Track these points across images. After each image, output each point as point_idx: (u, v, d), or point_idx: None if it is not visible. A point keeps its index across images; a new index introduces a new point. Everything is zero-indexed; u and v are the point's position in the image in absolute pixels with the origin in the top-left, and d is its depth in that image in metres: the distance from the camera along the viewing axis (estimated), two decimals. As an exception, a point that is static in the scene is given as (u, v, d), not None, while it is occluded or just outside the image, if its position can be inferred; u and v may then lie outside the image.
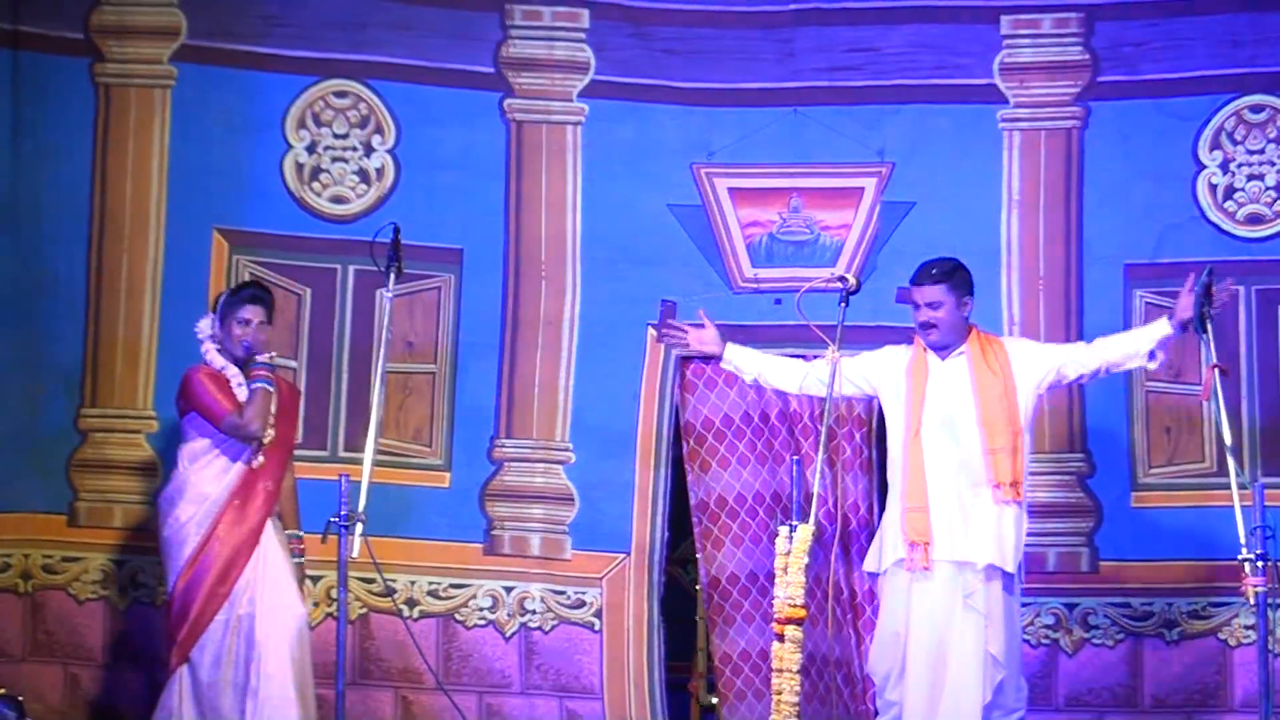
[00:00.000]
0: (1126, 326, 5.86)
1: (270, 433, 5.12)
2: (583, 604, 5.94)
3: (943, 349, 5.01)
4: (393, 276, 4.98)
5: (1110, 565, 5.88)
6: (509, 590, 5.99)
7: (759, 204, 6.03)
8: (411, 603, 5.97)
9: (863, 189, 6.03)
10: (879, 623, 5.08)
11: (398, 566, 5.86)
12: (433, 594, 6.00)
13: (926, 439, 4.95)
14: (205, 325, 5.25)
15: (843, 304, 4.88)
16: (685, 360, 6.02)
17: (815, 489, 4.75)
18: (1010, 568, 4.87)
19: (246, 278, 5.96)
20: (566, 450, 6.08)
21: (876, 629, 5.08)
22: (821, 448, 4.88)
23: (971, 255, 5.57)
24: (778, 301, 5.88)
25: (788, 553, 4.60)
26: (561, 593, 5.97)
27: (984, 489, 4.91)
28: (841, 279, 4.90)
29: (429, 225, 5.99)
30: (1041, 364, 4.98)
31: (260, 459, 5.12)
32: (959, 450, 4.96)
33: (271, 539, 5.11)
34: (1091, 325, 5.94)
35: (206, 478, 5.10)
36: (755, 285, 6.08)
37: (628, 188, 6.07)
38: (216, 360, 5.20)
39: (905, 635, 4.91)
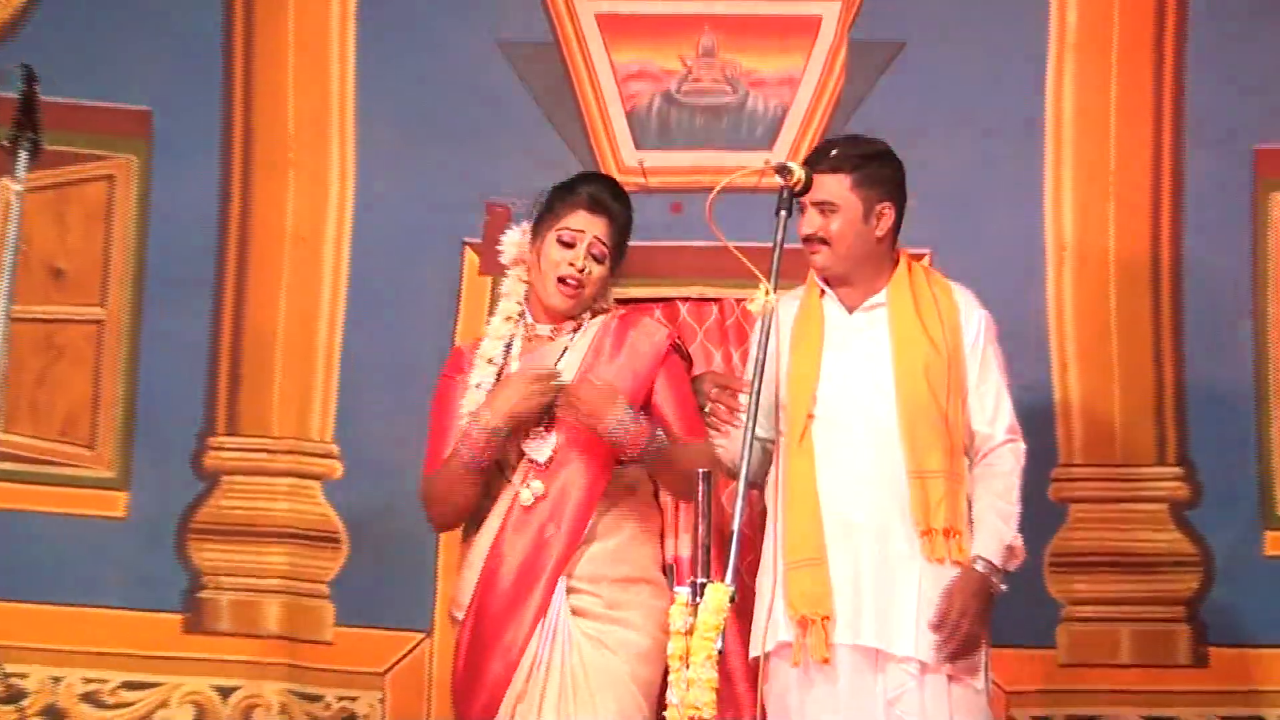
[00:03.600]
0: (1255, 251, 4.97)
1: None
2: (351, 716, 5.13)
3: (843, 287, 4.23)
4: (24, 156, 3.84)
5: (1227, 653, 4.96)
6: (226, 692, 5.11)
7: (648, 43, 5.22)
8: (55, 713, 5.10)
9: (819, 20, 5.16)
10: None
11: (32, 652, 5.03)
12: (92, 698, 5.10)
13: (821, 447, 4.20)
14: (513, 243, 4.21)
15: (783, 211, 3.88)
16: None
17: (736, 524, 3.73)
18: (951, 669, 4.13)
19: None
20: (329, 457, 5.17)
21: None
22: (744, 458, 3.76)
23: (998, 134, 4.91)
24: (678, 207, 5.02)
25: (689, 631, 3.64)
26: (316, 698, 5.12)
27: (910, 535, 4.14)
28: (782, 170, 3.96)
29: (91, 70, 5.09)
30: (973, 386, 4.24)
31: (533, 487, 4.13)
32: (871, 467, 4.19)
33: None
34: (1198, 254, 4.98)
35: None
36: (640, 179, 5.17)
37: (433, 17, 5.18)
38: (497, 330, 4.17)
39: None
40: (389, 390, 5.06)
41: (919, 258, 4.49)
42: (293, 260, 5.18)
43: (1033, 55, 5.05)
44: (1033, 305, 4.75)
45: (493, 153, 5.10)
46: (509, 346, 4.16)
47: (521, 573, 4.05)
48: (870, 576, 4.14)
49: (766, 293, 3.79)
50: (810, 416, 4.18)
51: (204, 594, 5.11)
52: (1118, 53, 5.05)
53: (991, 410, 4.20)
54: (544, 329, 4.09)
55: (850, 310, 4.23)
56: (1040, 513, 4.64)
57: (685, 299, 5.02)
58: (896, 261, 4.26)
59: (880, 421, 4.16)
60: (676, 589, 3.64)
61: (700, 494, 3.81)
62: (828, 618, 4.10)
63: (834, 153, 4.20)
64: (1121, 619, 4.98)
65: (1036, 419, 4.50)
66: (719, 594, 3.56)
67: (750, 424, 3.88)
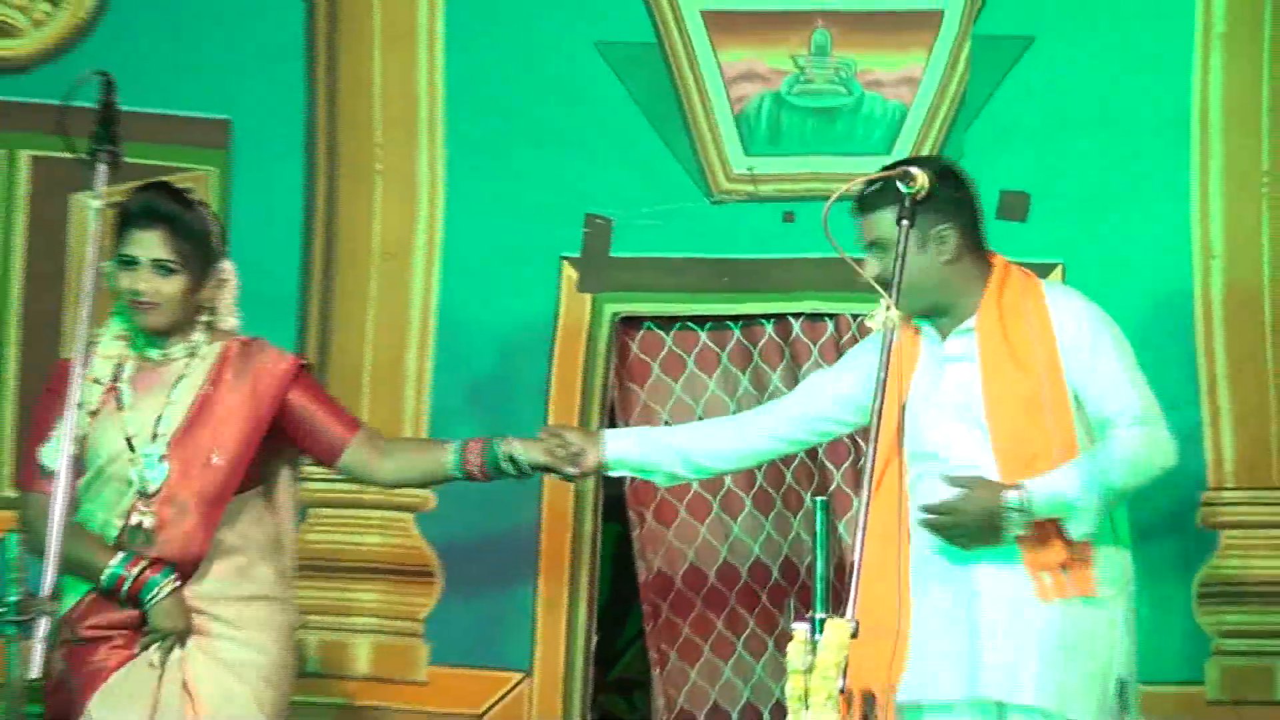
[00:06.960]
0: None
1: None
2: (447, 759, 5.19)
3: (927, 316, 4.18)
4: (103, 170, 3.80)
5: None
6: (317, 737, 5.22)
7: (757, 41, 5.15)
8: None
9: (940, 14, 5.06)
10: None
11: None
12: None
13: (912, 496, 4.17)
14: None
15: (904, 221, 3.92)
16: (627, 323, 5.08)
17: (858, 553, 3.74)
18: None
19: None
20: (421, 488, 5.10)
21: None
22: (868, 476, 3.77)
23: (1138, 134, 4.81)
24: (790, 216, 4.98)
25: (808, 670, 3.62)
26: (411, 743, 5.22)
27: (1022, 581, 4.05)
28: (904, 175, 3.98)
29: (168, 79, 5.04)
30: (1086, 380, 4.11)
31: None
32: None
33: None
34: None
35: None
36: (750, 186, 5.15)
37: (526, 15, 5.11)
38: (107, 348, 4.12)
39: None
40: (481, 416, 4.95)
41: (1048, 271, 4.34)
42: (381, 279, 5.10)
43: (1176, 46, 4.87)
44: (1178, 317, 4.67)
45: (592, 160, 5.02)
46: (120, 367, 4.05)
47: None
48: (988, 618, 4.00)
49: (888, 308, 3.79)
50: (899, 457, 4.10)
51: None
52: (1270, 41, 4.87)
53: (1112, 400, 4.01)
54: (154, 352, 4.03)
55: (944, 336, 4.15)
56: (1189, 540, 4.60)
57: (799, 314, 4.97)
58: (987, 273, 4.11)
59: (975, 457, 4.06)
60: (795, 625, 3.60)
61: (817, 523, 3.76)
62: (892, 688, 3.96)
63: (875, 188, 4.08)
64: (1277, 653, 4.82)
65: (1183, 440, 4.25)
66: (839, 630, 3.52)
67: (872, 449, 3.80)
